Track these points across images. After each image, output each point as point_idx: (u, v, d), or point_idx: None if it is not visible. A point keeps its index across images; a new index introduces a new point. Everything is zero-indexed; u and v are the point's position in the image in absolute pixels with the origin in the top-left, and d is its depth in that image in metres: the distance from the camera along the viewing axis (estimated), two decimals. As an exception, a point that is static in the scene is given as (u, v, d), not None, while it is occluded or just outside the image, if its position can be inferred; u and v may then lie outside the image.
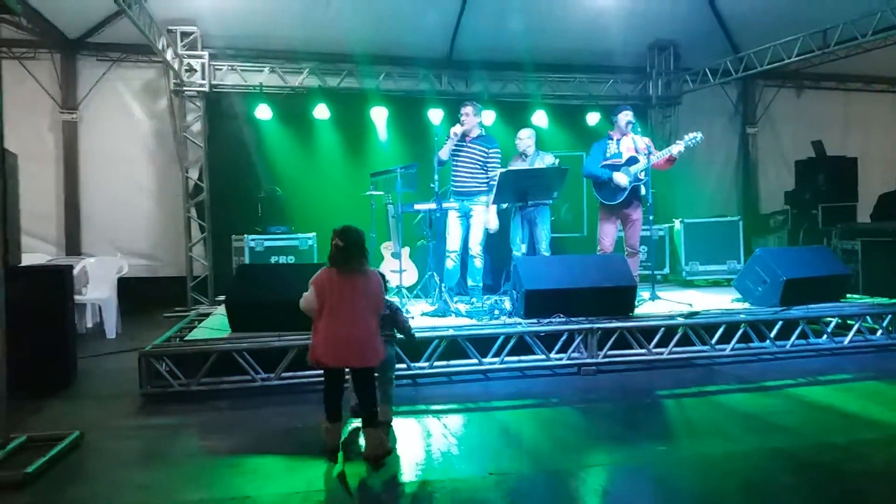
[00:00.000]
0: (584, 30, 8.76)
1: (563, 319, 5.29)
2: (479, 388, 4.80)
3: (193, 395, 4.54)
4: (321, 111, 8.70)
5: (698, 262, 8.77)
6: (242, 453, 3.52)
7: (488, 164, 6.48)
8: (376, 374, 3.67)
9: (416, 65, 9.22)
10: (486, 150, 6.50)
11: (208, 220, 8.68)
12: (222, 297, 6.31)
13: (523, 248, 6.62)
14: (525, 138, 7.03)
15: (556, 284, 5.49)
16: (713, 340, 5.42)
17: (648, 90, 10.02)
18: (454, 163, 6.57)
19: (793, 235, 9.64)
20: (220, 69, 8.78)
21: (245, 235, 7.93)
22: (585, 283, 5.52)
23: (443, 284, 6.21)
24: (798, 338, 5.61)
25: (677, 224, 8.95)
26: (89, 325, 7.32)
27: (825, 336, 5.71)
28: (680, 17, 8.87)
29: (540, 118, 9.19)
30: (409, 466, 3.30)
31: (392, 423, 3.88)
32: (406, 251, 7.42)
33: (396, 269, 6.70)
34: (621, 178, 6.36)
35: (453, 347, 5.03)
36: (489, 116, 8.75)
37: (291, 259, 7.87)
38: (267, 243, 7.93)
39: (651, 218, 6.48)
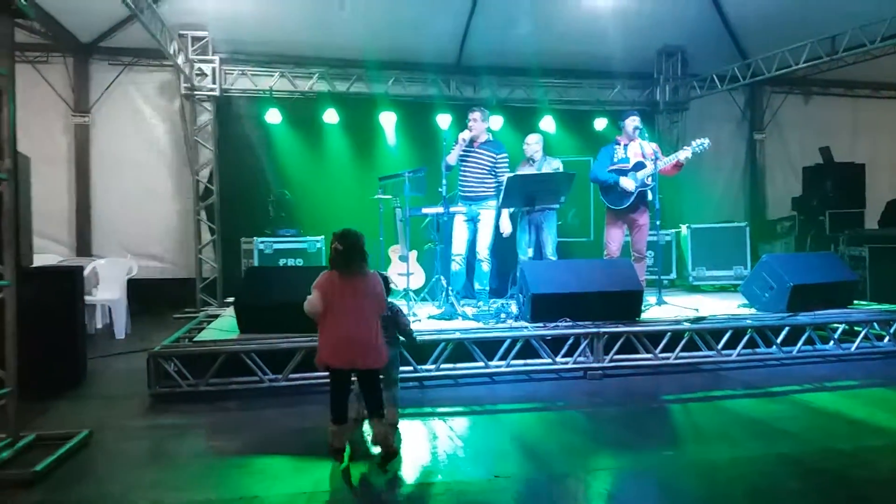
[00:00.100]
0: (592, 36, 8.78)
1: (570, 323, 5.30)
2: (485, 391, 4.82)
3: (202, 396, 4.57)
4: (330, 115, 8.78)
5: (705, 268, 8.77)
6: (250, 453, 3.54)
7: (497, 169, 6.51)
8: (381, 376, 3.70)
9: (425, 70, 9.28)
10: (494, 156, 6.53)
11: (218, 223, 8.74)
12: (231, 299, 6.35)
13: (530, 252, 6.64)
14: (533, 143, 7.06)
15: (563, 289, 5.50)
16: (719, 346, 5.42)
17: (656, 96, 10.04)
18: (462, 168, 6.60)
19: (800, 241, 9.63)
20: (231, 73, 8.86)
21: (254, 238, 8.00)
22: (592, 288, 5.53)
23: (450, 288, 6.23)
24: (805, 344, 5.60)
25: (684, 229, 8.94)
26: (99, 325, 7.37)
27: (832, 342, 5.70)
28: (688, 23, 8.89)
29: (547, 123, 9.22)
30: (415, 468, 3.31)
31: (398, 425, 3.90)
32: (413, 254, 7.45)
33: (404, 272, 6.73)
34: (628, 183, 6.37)
35: (460, 350, 5.05)
36: (497, 122, 8.80)
37: (300, 262, 7.92)
38: (276, 246, 7.98)
39: (658, 223, 6.48)
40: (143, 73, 8.91)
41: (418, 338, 4.30)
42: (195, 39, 8.39)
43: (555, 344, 5.21)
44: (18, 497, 2.95)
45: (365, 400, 3.54)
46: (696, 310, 6.09)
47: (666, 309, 6.28)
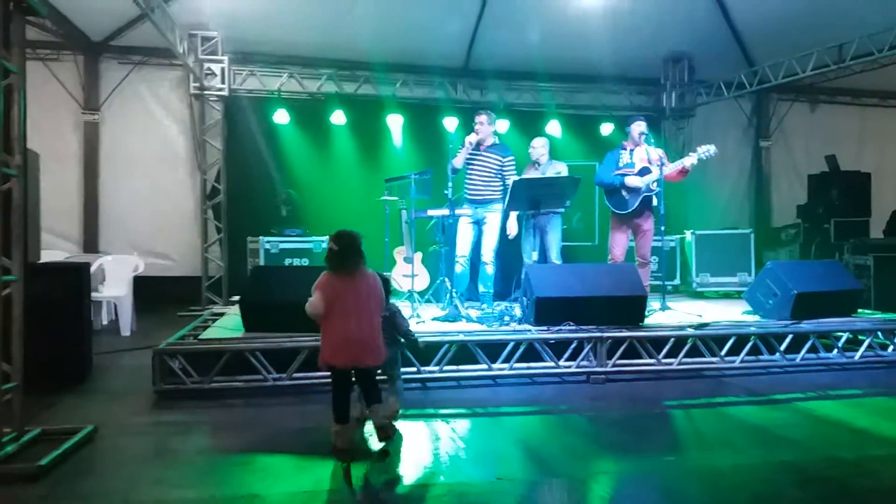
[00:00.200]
0: (599, 41, 8.78)
1: (573, 327, 5.30)
2: (488, 394, 4.83)
3: (206, 393, 4.59)
4: (338, 117, 8.81)
5: (709, 274, 8.76)
6: (253, 451, 3.55)
7: (504, 172, 6.52)
8: (384, 375, 3.75)
9: (433, 73, 9.31)
10: (501, 159, 6.55)
11: (224, 222, 8.77)
12: (236, 298, 6.38)
13: (534, 255, 6.64)
14: (538, 147, 7.08)
15: (567, 292, 5.50)
16: (723, 352, 5.41)
17: (662, 102, 10.05)
18: (468, 171, 6.62)
19: (805, 249, 9.61)
20: (240, 73, 8.90)
21: (260, 237, 8.03)
22: (596, 292, 5.53)
23: (454, 290, 6.25)
24: (808, 352, 5.58)
25: (689, 235, 8.94)
26: (104, 322, 7.42)
27: (836, 350, 5.68)
28: (695, 29, 8.89)
29: (554, 128, 9.24)
30: (417, 469, 3.33)
31: (399, 413, 3.96)
32: (418, 256, 7.47)
33: (408, 273, 6.75)
34: (634, 180, 6.37)
35: (463, 352, 5.06)
36: (503, 125, 8.80)
37: (305, 261, 7.95)
38: (282, 245, 8.01)
39: (663, 229, 6.48)
40: (152, 72, 8.97)
41: (421, 339, 4.33)
42: (205, 39, 8.43)
43: (558, 347, 5.21)
44: (23, 491, 2.97)
45: (364, 393, 3.61)
46: (700, 316, 6.09)
47: (670, 314, 6.28)
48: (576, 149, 9.40)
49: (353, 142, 9.07)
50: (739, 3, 8.49)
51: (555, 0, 8.14)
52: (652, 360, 5.30)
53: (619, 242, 6.60)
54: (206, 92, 8.62)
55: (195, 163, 8.89)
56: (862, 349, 5.69)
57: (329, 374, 3.57)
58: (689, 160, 6.35)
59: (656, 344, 5.34)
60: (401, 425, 3.92)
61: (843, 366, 5.61)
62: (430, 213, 6.66)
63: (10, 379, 3.41)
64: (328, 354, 3.48)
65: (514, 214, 6.60)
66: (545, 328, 5.32)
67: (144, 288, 7.80)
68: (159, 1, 6.65)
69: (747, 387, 5.04)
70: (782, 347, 5.54)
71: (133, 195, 8.87)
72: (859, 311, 6.40)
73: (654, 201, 6.44)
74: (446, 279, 6.37)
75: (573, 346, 5.21)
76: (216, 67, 8.56)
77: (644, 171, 6.41)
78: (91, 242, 8.76)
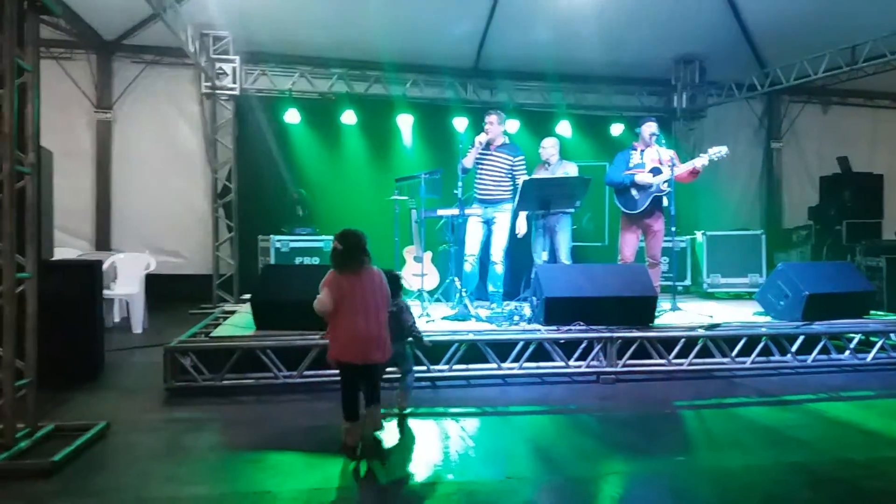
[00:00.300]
0: (610, 42, 8.78)
1: (583, 327, 5.30)
2: (497, 393, 4.83)
3: (217, 391, 4.62)
4: (348, 117, 8.84)
5: (720, 275, 8.73)
6: (264, 448, 3.57)
7: (514, 172, 6.53)
8: (395, 369, 3.82)
9: (443, 73, 9.33)
10: (511, 159, 6.55)
11: (236, 221, 8.82)
12: (247, 296, 6.42)
13: (544, 255, 6.64)
14: (549, 147, 7.07)
15: (577, 293, 5.50)
16: (734, 353, 5.39)
17: (673, 103, 10.02)
18: (478, 170, 6.62)
19: (816, 251, 9.56)
20: (251, 73, 8.94)
21: (271, 236, 8.06)
22: (606, 293, 5.52)
23: (463, 289, 6.25)
24: (820, 353, 5.56)
25: (699, 236, 8.91)
26: (116, 319, 7.47)
27: (847, 352, 5.65)
28: (706, 30, 8.87)
29: (564, 128, 9.23)
30: (427, 468, 3.33)
31: (406, 409, 4.10)
32: (428, 255, 7.49)
33: (418, 272, 6.76)
34: (644, 177, 6.35)
35: (473, 351, 5.06)
36: (513, 125, 8.81)
37: (316, 260, 7.97)
38: (292, 244, 8.04)
39: (673, 229, 6.46)
40: (164, 71, 9.03)
41: (430, 338, 4.36)
42: (216, 39, 8.48)
43: (568, 347, 5.21)
44: (36, 486, 3.00)
45: (364, 389, 3.64)
46: (711, 316, 6.07)
47: (680, 315, 6.26)
48: (586, 149, 9.39)
49: (364, 141, 9.10)
50: (751, 4, 8.46)
51: (565, 1, 8.13)
52: (662, 361, 5.28)
53: (630, 243, 6.58)
54: (217, 91, 8.67)
55: (206, 162, 8.94)
56: (874, 351, 5.66)
57: (338, 371, 3.60)
58: (701, 161, 6.33)
59: (666, 344, 5.33)
60: (411, 423, 3.95)
61: (855, 367, 5.58)
62: (440, 212, 6.67)
63: (24, 375, 3.44)
64: (337, 351, 3.53)
65: (523, 214, 6.59)
66: (555, 328, 5.32)
67: (156, 286, 7.84)
68: (171, 0, 6.69)
69: (758, 388, 5.02)
70: (794, 348, 5.51)
71: (145, 193, 8.94)
72: (871, 312, 6.36)
73: (665, 202, 6.42)
74: (456, 279, 6.38)
75: (583, 346, 5.21)
76: (227, 67, 8.61)
77: (655, 172, 6.40)
78: (103, 240, 8.83)
